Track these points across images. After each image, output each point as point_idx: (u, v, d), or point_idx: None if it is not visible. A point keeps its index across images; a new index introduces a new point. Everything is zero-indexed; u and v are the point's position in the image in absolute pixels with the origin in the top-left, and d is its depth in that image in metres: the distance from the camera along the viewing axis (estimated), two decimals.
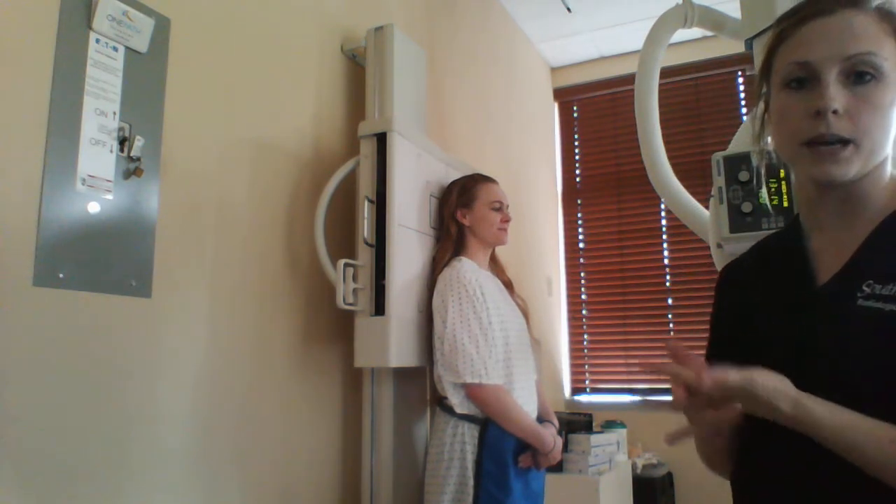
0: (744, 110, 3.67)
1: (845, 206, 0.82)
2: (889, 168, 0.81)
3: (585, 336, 3.93)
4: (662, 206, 3.64)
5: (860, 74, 0.76)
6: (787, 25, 0.82)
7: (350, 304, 1.80)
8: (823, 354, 0.76)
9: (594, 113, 4.15)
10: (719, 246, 1.56)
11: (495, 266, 2.06)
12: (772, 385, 0.71)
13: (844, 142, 0.75)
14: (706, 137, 3.68)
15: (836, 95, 0.75)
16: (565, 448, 2.61)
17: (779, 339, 0.81)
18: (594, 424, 2.92)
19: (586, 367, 3.92)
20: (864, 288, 0.75)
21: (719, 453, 0.90)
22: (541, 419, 1.90)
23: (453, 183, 2.06)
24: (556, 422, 1.96)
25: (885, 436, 0.68)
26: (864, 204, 0.81)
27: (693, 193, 1.94)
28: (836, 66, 0.76)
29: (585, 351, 3.93)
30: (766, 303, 0.86)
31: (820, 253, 0.83)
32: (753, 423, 0.78)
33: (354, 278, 1.83)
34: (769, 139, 0.89)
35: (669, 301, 3.69)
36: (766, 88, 0.86)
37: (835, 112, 0.75)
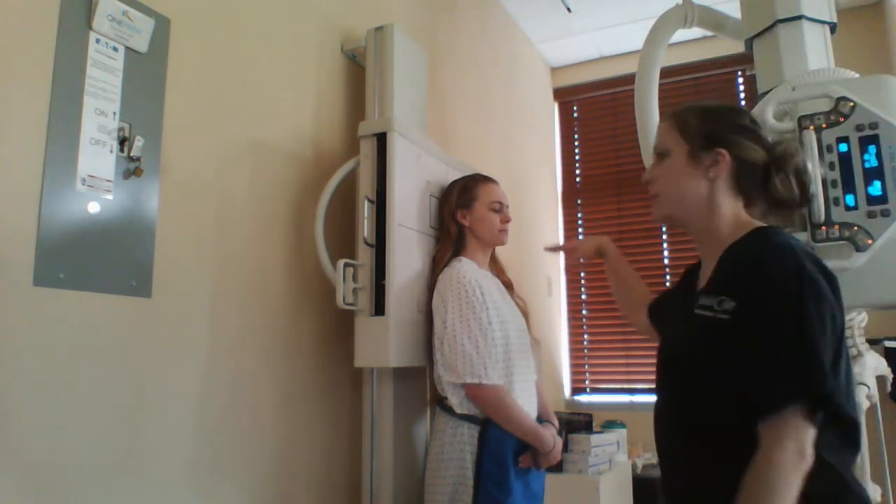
0: None
1: (704, 239, 1.20)
2: (730, 213, 1.16)
3: (585, 336, 3.93)
4: None
5: (658, 156, 1.25)
6: None
7: (350, 304, 1.80)
8: (673, 344, 1.21)
9: (594, 113, 4.15)
10: None
11: (495, 266, 2.06)
12: None
13: (655, 195, 1.25)
14: None
15: (647, 171, 1.28)
16: (565, 448, 2.60)
17: (665, 336, 1.30)
18: (594, 424, 2.92)
19: (586, 367, 3.92)
20: (700, 300, 1.11)
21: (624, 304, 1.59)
22: (541, 419, 1.90)
23: (453, 183, 2.06)
24: (556, 422, 1.96)
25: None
26: (714, 238, 1.16)
27: None
28: (654, 156, 1.28)
29: (585, 351, 3.93)
30: (668, 313, 1.33)
31: (702, 277, 1.20)
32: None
33: (354, 278, 1.83)
34: None
35: None
36: None
37: (646, 181, 1.27)
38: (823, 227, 1.66)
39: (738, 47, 2.35)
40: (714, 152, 1.16)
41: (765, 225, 1.14)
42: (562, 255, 4.02)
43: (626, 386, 3.77)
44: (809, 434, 0.94)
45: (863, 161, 1.66)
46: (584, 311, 3.96)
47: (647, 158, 2.28)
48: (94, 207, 1.32)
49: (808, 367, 0.94)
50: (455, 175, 2.12)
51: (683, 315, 1.15)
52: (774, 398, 0.95)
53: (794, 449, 0.92)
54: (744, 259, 1.07)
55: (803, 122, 1.73)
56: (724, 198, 1.15)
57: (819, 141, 1.70)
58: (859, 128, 1.67)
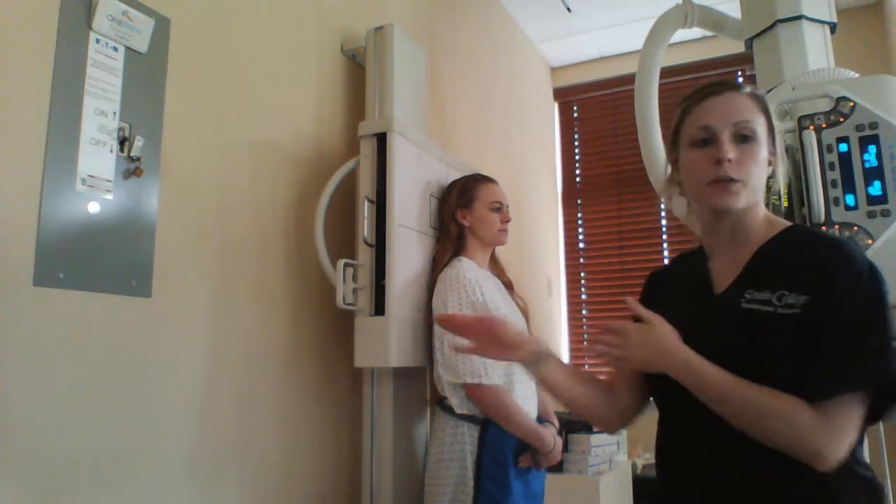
0: None
1: (734, 232, 1.09)
2: (763, 209, 1.11)
3: (585, 336, 3.93)
4: (662, 206, 3.64)
5: (743, 136, 1.05)
6: (691, 102, 1.11)
7: (350, 304, 1.80)
8: (718, 341, 1.02)
9: (594, 113, 4.15)
10: None
11: (495, 266, 2.05)
12: (669, 336, 1.00)
13: (735, 180, 1.04)
14: None
15: (730, 149, 1.04)
16: (565, 448, 2.60)
17: (685, 332, 1.05)
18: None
19: (586, 367, 3.91)
20: (747, 295, 1.02)
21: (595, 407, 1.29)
22: (541, 419, 1.90)
23: (453, 183, 2.06)
24: (556, 422, 1.96)
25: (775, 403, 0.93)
26: (748, 232, 1.09)
27: None
28: (728, 129, 1.05)
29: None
30: (677, 305, 1.13)
31: (717, 270, 1.12)
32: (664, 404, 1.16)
33: (354, 278, 1.83)
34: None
35: None
36: (675, 150, 1.15)
37: (729, 160, 1.04)
38: (823, 227, 1.66)
39: (738, 47, 2.35)
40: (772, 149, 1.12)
41: (791, 223, 1.12)
42: (561, 252, 4.02)
43: None
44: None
45: (863, 161, 1.66)
46: (584, 311, 3.96)
47: (648, 158, 2.28)
48: (94, 207, 1.32)
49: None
50: (455, 175, 2.12)
51: (718, 314, 1.06)
52: (840, 385, 0.93)
53: (851, 442, 0.92)
54: (803, 254, 1.03)
55: (803, 122, 1.73)
56: (761, 195, 1.12)
57: (819, 141, 1.70)
58: (859, 128, 1.68)
